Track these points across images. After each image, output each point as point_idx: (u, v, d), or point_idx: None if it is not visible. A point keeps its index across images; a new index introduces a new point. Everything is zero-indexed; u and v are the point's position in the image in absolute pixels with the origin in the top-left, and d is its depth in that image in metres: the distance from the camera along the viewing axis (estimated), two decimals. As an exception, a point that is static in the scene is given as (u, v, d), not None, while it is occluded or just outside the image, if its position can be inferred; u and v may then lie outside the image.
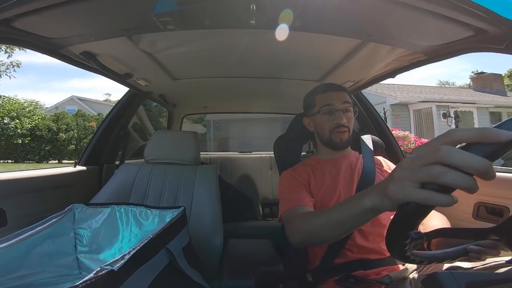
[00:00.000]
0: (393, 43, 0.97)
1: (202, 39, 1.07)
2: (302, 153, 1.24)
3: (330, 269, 0.85)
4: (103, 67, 1.16)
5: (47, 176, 1.24)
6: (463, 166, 0.31)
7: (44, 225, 0.81)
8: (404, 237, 0.44)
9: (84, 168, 1.48)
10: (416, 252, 0.53)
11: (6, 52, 11.62)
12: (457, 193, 0.33)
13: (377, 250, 0.83)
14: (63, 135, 10.83)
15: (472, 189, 0.31)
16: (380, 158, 1.09)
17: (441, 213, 0.89)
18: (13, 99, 11.51)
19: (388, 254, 0.80)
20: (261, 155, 2.53)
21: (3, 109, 10.56)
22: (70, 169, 1.41)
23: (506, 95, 11.30)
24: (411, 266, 0.80)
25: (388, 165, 1.06)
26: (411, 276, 0.77)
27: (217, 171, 1.36)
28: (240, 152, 2.64)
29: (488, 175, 0.31)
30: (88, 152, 1.56)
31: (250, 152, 2.65)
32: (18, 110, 10.83)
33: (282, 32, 0.84)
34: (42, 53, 0.96)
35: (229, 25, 0.88)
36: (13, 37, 0.80)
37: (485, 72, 12.92)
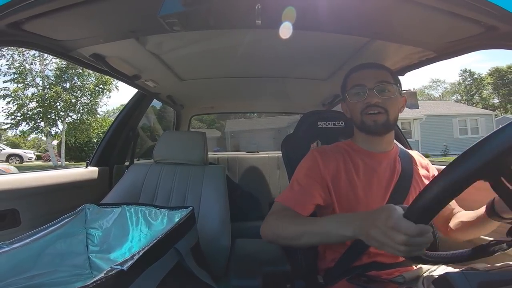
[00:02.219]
0: (402, 41, 0.96)
1: (209, 40, 1.08)
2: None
3: (344, 271, 0.83)
4: (112, 69, 1.18)
5: (59, 177, 1.27)
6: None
7: (57, 225, 0.83)
8: None
9: (95, 169, 1.51)
10: (429, 253, 0.52)
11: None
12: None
13: (393, 256, 0.81)
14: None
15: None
16: (415, 153, 0.96)
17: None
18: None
19: (402, 258, 0.79)
20: (269, 155, 2.53)
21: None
22: (81, 170, 1.44)
23: (418, 108, 15.35)
24: (424, 266, 0.79)
25: (423, 164, 0.93)
26: (424, 275, 0.75)
27: (225, 171, 1.36)
28: (248, 152, 2.64)
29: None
30: (98, 153, 1.59)
31: (257, 152, 2.65)
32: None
33: (288, 32, 0.84)
34: (53, 55, 0.98)
35: (235, 25, 0.88)
36: (24, 40, 0.82)
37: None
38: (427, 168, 0.93)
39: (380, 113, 0.81)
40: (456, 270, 0.64)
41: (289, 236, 0.72)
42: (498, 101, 24.82)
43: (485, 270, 0.59)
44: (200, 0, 0.70)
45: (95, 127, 13.25)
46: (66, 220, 0.87)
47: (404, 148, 0.95)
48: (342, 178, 0.83)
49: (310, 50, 1.18)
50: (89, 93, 13.07)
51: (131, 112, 1.69)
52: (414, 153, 0.96)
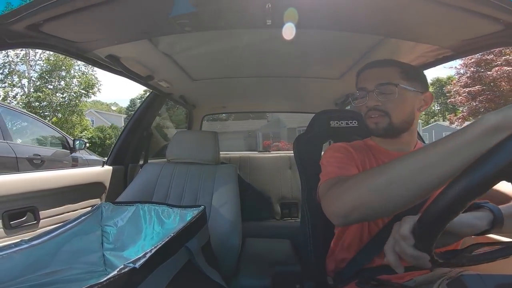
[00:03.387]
0: (417, 39, 0.93)
1: (220, 40, 1.08)
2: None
3: (355, 273, 0.81)
4: (127, 69, 1.21)
5: (76, 176, 1.31)
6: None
7: (74, 223, 0.86)
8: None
9: (111, 168, 1.55)
10: (443, 254, 0.50)
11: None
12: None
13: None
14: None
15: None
16: None
17: None
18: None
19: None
20: (280, 155, 2.52)
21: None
22: (98, 168, 1.48)
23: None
24: (440, 270, 0.76)
25: None
26: (439, 281, 0.73)
27: (236, 170, 1.37)
28: (259, 152, 2.64)
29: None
30: (114, 153, 1.63)
31: (269, 151, 2.65)
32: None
33: (299, 31, 0.83)
34: (71, 57, 1.01)
35: (245, 26, 0.88)
36: (42, 41, 0.84)
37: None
38: None
39: (379, 116, 0.78)
40: (472, 272, 0.61)
41: (379, 188, 0.50)
42: (438, 108, 27.47)
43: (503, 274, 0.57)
44: (211, 0, 0.71)
45: (78, 127, 13.57)
46: (83, 217, 0.90)
47: None
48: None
49: (322, 49, 1.17)
50: (73, 94, 13.47)
51: (145, 112, 1.72)
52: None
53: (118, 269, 0.46)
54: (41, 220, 1.09)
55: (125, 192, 1.27)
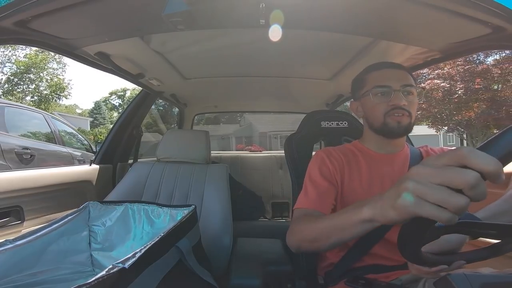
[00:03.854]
0: (407, 41, 0.95)
1: (213, 39, 1.08)
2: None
3: (344, 273, 0.83)
4: (117, 67, 1.19)
5: (63, 174, 1.28)
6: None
7: (60, 223, 0.84)
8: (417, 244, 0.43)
9: (99, 166, 1.52)
10: (431, 255, 0.51)
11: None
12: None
13: (396, 259, 0.80)
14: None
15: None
16: (424, 148, 0.91)
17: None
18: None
19: (405, 261, 0.78)
20: (271, 155, 2.53)
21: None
22: (85, 167, 1.45)
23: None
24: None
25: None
26: (423, 279, 0.75)
27: (227, 170, 1.36)
28: (251, 152, 2.65)
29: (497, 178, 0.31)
30: (102, 151, 1.60)
31: (260, 151, 2.65)
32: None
33: (292, 32, 0.83)
34: (58, 53, 0.99)
35: (239, 25, 0.88)
36: (30, 38, 0.82)
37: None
38: None
39: (405, 115, 0.79)
40: (458, 271, 0.63)
41: (308, 238, 0.66)
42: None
43: (488, 273, 0.58)
44: None
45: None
46: (69, 217, 0.88)
47: (414, 147, 0.92)
48: (346, 179, 0.83)
49: (314, 49, 1.18)
50: (40, 97, 13.24)
51: (135, 110, 1.70)
52: (425, 149, 0.91)
53: (106, 269, 0.45)
54: (26, 220, 1.06)
55: (113, 192, 1.25)
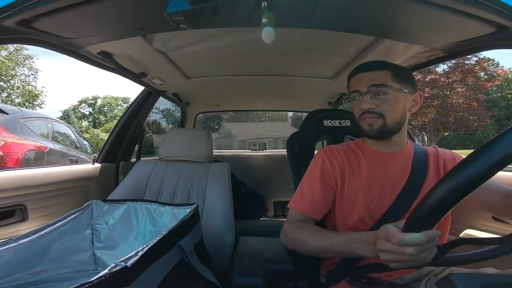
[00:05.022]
0: (410, 40, 0.94)
1: (215, 38, 1.08)
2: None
3: (347, 272, 0.82)
4: (120, 66, 1.19)
5: (66, 173, 1.29)
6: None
7: (63, 221, 0.84)
8: None
9: (102, 165, 1.52)
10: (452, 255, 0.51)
11: None
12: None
13: None
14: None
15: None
16: (432, 149, 0.88)
17: (461, 211, 0.85)
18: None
19: None
20: (274, 153, 2.53)
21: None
22: (88, 166, 1.46)
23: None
24: (426, 268, 0.78)
25: (445, 158, 0.84)
26: (426, 278, 0.75)
27: (229, 168, 1.36)
28: (253, 150, 2.65)
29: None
30: (105, 150, 1.60)
31: (262, 150, 2.65)
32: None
33: (292, 30, 0.83)
34: (62, 53, 0.99)
35: (241, 24, 0.88)
36: (33, 37, 0.83)
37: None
38: (451, 161, 0.84)
39: (375, 117, 0.79)
40: (460, 271, 0.63)
41: (309, 251, 0.77)
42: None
43: (491, 273, 0.58)
44: None
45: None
46: (72, 216, 0.89)
47: (420, 146, 0.90)
48: (346, 179, 0.82)
49: (316, 48, 1.18)
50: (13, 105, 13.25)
51: (137, 109, 1.70)
52: (432, 149, 0.88)
53: (109, 268, 0.45)
54: (29, 219, 1.06)
55: (116, 190, 1.26)
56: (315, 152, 1.23)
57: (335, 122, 1.14)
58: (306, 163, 1.07)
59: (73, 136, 3.96)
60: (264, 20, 0.77)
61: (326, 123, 1.14)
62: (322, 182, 0.83)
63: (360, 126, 0.84)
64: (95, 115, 27.35)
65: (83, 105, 28.51)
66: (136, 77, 1.38)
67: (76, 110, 28.20)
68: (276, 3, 0.72)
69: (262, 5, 0.72)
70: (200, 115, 2.71)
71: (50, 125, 3.25)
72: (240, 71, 1.53)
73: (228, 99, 2.30)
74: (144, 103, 1.72)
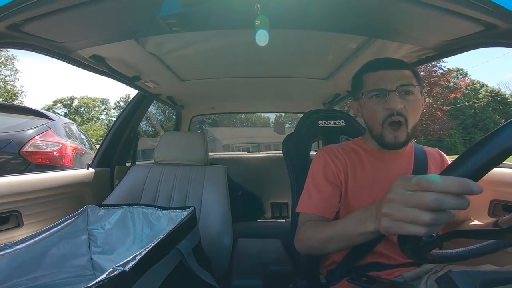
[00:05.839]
0: (401, 40, 0.95)
1: (208, 40, 1.08)
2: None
3: (347, 271, 0.83)
4: (112, 70, 1.18)
5: (61, 178, 1.27)
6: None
7: (59, 227, 0.84)
8: (415, 242, 0.44)
9: (96, 170, 1.51)
10: (435, 252, 0.51)
11: None
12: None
13: (399, 258, 0.80)
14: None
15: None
16: (433, 151, 0.89)
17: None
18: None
19: (407, 260, 0.78)
20: (270, 155, 2.53)
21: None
22: (83, 171, 1.44)
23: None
24: (426, 266, 0.78)
25: (443, 162, 0.87)
26: (426, 276, 0.75)
27: (226, 171, 1.36)
28: (249, 152, 2.65)
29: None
30: (100, 155, 1.59)
31: (258, 152, 2.66)
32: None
33: (286, 31, 0.84)
34: (53, 57, 0.98)
35: (234, 26, 0.88)
36: (23, 41, 0.82)
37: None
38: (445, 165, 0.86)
39: (402, 124, 0.74)
40: (459, 268, 0.63)
41: (317, 246, 0.71)
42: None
43: (490, 270, 0.59)
44: (199, 0, 0.70)
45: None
46: (68, 221, 0.88)
47: (421, 147, 0.90)
48: (349, 179, 0.82)
49: (310, 49, 1.18)
50: None
51: (131, 113, 1.69)
52: (432, 151, 0.89)
53: (107, 273, 0.45)
54: (24, 225, 1.05)
55: (112, 195, 1.24)
56: (311, 152, 1.24)
57: (330, 122, 1.15)
58: (302, 163, 1.07)
59: (85, 138, 4.09)
60: (257, 22, 0.78)
61: (321, 123, 1.14)
62: (328, 181, 0.82)
63: (381, 135, 0.77)
64: (71, 116, 25.80)
65: (58, 105, 27.25)
66: (129, 81, 1.37)
67: (51, 111, 27.29)
68: (269, 5, 0.73)
69: (255, 7, 0.72)
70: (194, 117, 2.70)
71: (75, 128, 3.45)
72: (235, 73, 1.53)
73: (223, 101, 2.30)
74: (138, 106, 1.71)
